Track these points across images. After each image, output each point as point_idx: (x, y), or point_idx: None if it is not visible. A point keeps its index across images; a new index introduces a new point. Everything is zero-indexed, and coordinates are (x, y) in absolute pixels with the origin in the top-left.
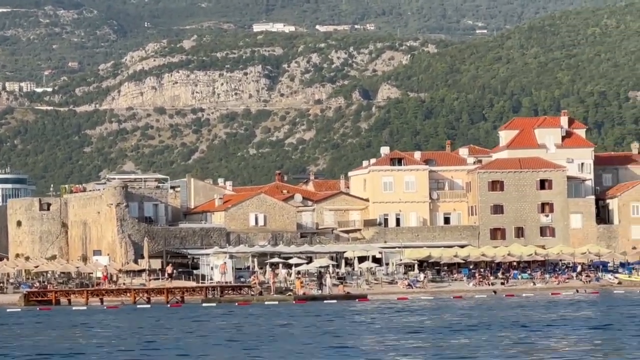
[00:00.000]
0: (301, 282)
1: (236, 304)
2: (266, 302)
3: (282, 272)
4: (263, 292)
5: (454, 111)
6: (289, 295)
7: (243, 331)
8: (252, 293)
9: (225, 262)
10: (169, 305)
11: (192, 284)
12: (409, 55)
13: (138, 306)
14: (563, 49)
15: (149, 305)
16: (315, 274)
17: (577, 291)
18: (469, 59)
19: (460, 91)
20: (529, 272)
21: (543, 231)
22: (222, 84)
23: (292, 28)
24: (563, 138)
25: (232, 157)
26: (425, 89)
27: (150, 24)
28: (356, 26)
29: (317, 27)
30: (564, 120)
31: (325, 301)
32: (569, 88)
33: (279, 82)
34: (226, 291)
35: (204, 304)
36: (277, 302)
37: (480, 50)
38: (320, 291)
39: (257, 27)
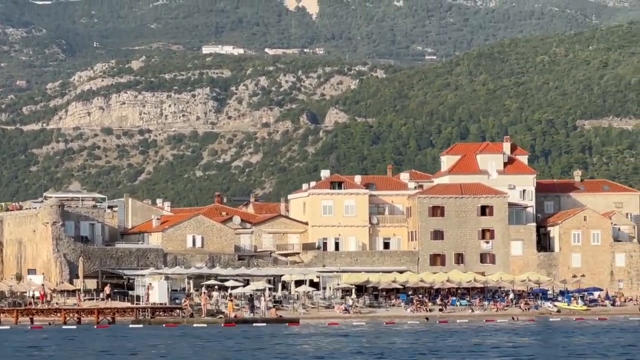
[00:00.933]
0: (233, 305)
1: (164, 325)
2: (194, 325)
3: (215, 294)
4: (194, 314)
5: (402, 137)
6: (220, 317)
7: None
8: (183, 315)
9: (150, 284)
10: (95, 327)
11: (127, 304)
12: (358, 80)
13: (64, 327)
14: (512, 76)
15: (74, 327)
16: (247, 297)
17: (513, 319)
18: (418, 85)
19: (408, 117)
20: (468, 298)
21: (483, 258)
22: (169, 106)
23: (241, 50)
24: (505, 164)
25: (179, 179)
26: (373, 114)
27: (99, 44)
28: (305, 50)
29: (266, 50)
30: (506, 147)
31: (255, 324)
32: (516, 115)
33: (227, 104)
34: (157, 312)
35: (130, 325)
36: (205, 325)
37: (429, 76)
38: (252, 314)
39: (206, 49)
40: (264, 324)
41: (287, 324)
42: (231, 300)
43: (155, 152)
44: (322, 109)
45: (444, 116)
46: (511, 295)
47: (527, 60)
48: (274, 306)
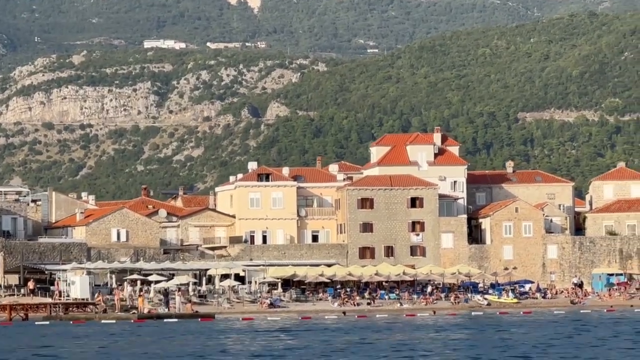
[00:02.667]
0: (143, 300)
1: (71, 322)
2: (103, 321)
3: (127, 289)
4: (107, 310)
5: (343, 130)
6: (133, 313)
7: None
8: (97, 311)
9: (67, 279)
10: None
11: (48, 300)
12: (299, 74)
13: None
14: (453, 69)
15: None
16: (162, 292)
17: (434, 313)
18: (359, 78)
19: (350, 110)
20: (397, 292)
21: (413, 250)
22: (111, 100)
23: (183, 45)
24: (436, 155)
25: (120, 174)
26: (314, 108)
27: (40, 39)
28: (247, 44)
29: (208, 44)
30: (436, 137)
31: (167, 320)
32: (458, 108)
33: (168, 98)
34: (70, 308)
35: (37, 323)
36: (115, 321)
37: (371, 69)
38: (167, 309)
39: (147, 44)
40: (176, 320)
41: (199, 320)
42: (141, 296)
43: (97, 146)
44: (264, 102)
45: (385, 109)
46: (429, 289)
47: (469, 53)
48: (189, 301)
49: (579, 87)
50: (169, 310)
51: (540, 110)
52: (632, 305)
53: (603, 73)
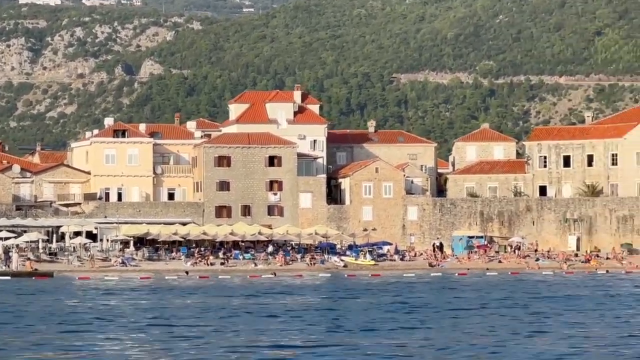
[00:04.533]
0: None
1: None
2: None
3: None
4: None
5: (217, 89)
6: None
7: None
8: None
9: None
10: None
11: None
12: (173, 32)
13: None
14: (328, 29)
15: None
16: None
17: (275, 274)
18: (234, 37)
19: (224, 69)
20: (252, 252)
21: (271, 210)
22: None
23: (58, 1)
24: (295, 114)
25: None
26: (188, 66)
27: None
28: (122, 1)
29: (83, 0)
30: (297, 96)
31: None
32: (332, 69)
33: (42, 55)
34: None
35: None
36: None
37: (245, 28)
38: (6, 267)
39: None
40: (8, 277)
41: (33, 278)
42: None
43: None
44: (138, 60)
45: (259, 68)
46: (270, 248)
47: (344, 14)
48: (29, 259)
49: (453, 50)
50: (8, 267)
51: (414, 71)
52: (487, 269)
53: (478, 36)
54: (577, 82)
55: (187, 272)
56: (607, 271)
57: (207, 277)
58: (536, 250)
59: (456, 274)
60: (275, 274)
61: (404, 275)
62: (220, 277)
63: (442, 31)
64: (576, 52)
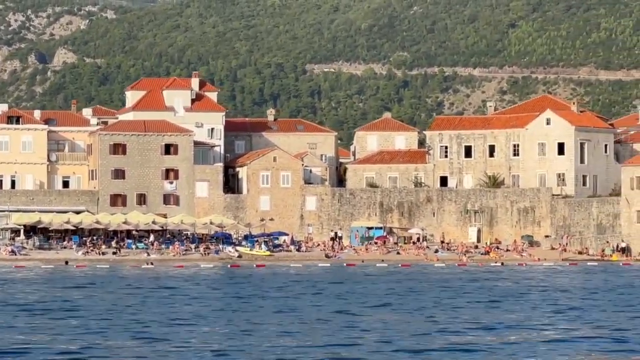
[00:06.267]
0: None
1: None
2: None
3: None
4: None
5: (130, 78)
6: None
7: None
8: None
9: None
10: None
11: None
12: (88, 21)
13: None
14: (242, 19)
15: None
16: None
17: (151, 264)
18: (147, 26)
19: (137, 58)
20: (146, 241)
21: (167, 199)
22: None
23: None
24: (193, 101)
25: None
26: (102, 55)
27: None
28: None
29: None
30: (194, 83)
31: None
32: (246, 59)
33: None
34: None
35: None
36: None
37: (159, 17)
38: None
39: None
40: None
41: None
42: None
43: None
44: (51, 49)
45: (172, 58)
46: (151, 237)
47: (258, 3)
48: None
49: (367, 40)
50: None
51: (328, 62)
52: (382, 260)
53: (392, 27)
54: (491, 74)
55: (66, 262)
56: (502, 264)
57: (84, 265)
58: (442, 242)
59: (344, 264)
60: (152, 264)
61: (291, 265)
62: (98, 266)
63: (356, 22)
64: (490, 44)
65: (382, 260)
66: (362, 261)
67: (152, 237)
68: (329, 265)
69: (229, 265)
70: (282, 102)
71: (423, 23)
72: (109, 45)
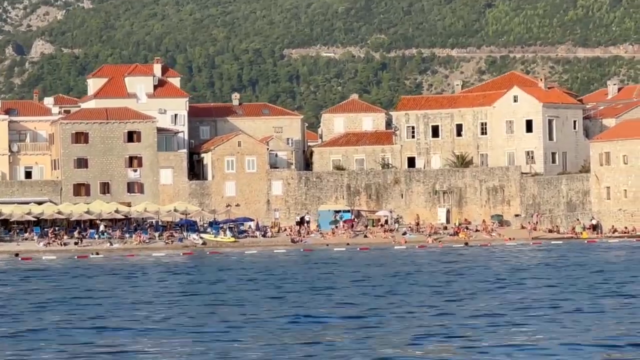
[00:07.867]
0: None
1: None
2: None
3: None
4: None
5: None
6: None
7: None
8: None
9: None
10: None
11: None
12: (64, 11)
13: None
14: (219, 5)
15: None
16: None
17: (97, 254)
18: (124, 15)
19: (115, 47)
20: (109, 231)
21: (131, 187)
22: None
23: None
24: (155, 87)
25: None
26: (79, 45)
27: None
28: None
29: None
30: (157, 69)
31: None
32: (223, 45)
33: None
34: None
35: None
36: None
37: (136, 6)
38: None
39: None
40: None
41: None
42: None
43: None
44: (29, 40)
45: (150, 46)
46: (101, 227)
47: None
48: None
49: (344, 24)
50: None
51: (306, 46)
52: (348, 244)
53: (369, 9)
54: (469, 54)
55: (16, 254)
56: (466, 244)
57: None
58: (417, 224)
59: (301, 250)
60: (97, 253)
61: (245, 252)
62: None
63: (332, 5)
64: (467, 24)
65: (348, 244)
66: (327, 245)
67: (102, 227)
68: (285, 251)
69: (181, 253)
70: (260, 87)
71: (400, 5)
72: (86, 35)
